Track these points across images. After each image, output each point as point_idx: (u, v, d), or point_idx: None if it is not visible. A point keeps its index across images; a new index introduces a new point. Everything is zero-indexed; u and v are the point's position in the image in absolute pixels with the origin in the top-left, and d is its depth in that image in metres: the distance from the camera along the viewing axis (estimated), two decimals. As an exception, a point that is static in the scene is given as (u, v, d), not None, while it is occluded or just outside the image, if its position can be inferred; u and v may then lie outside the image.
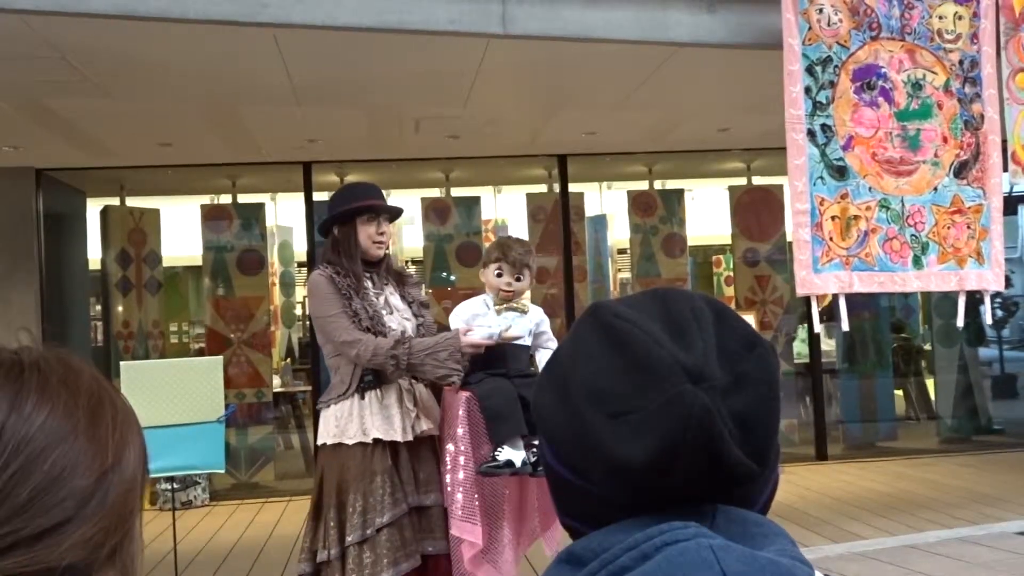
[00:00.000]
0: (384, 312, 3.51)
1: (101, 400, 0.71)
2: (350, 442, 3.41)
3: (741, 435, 0.78)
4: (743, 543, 0.74)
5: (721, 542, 0.73)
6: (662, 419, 0.77)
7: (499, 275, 3.53)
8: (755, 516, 0.80)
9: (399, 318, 3.54)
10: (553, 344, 3.63)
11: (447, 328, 3.54)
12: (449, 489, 3.39)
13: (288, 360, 10.40)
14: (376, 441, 3.40)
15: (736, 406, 0.79)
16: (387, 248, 3.63)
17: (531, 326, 3.57)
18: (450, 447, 3.43)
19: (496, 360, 3.42)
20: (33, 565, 0.64)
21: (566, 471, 0.83)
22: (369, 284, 3.55)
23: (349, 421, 3.43)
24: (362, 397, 3.44)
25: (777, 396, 0.83)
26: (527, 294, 3.76)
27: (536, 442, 3.30)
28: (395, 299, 3.60)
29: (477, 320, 3.52)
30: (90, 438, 0.69)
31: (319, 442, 3.53)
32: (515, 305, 3.54)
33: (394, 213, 3.69)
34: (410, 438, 3.43)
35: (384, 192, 3.84)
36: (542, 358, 3.57)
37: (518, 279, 3.53)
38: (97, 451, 0.69)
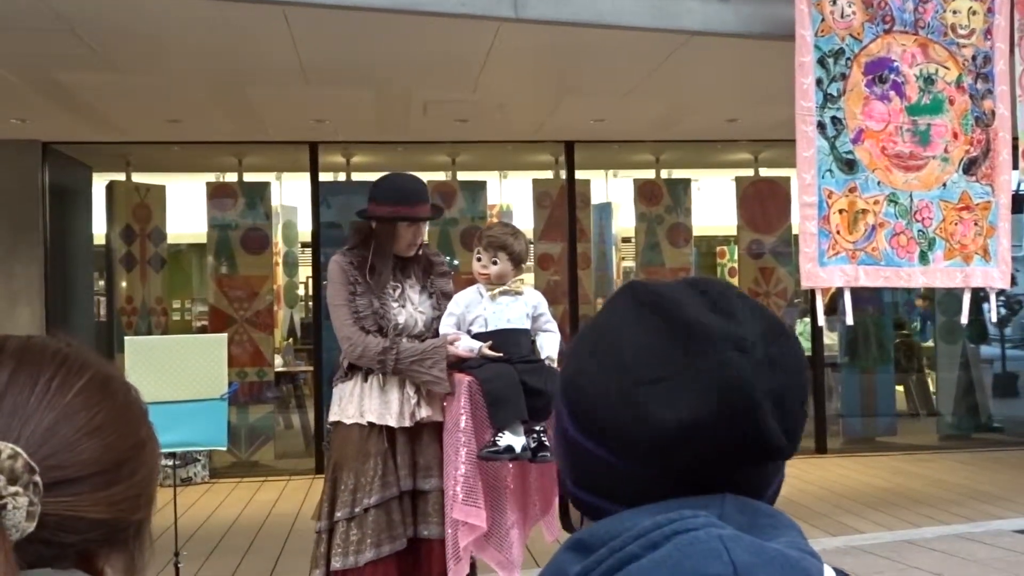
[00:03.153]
0: (395, 305, 3.51)
1: (129, 392, 0.78)
2: (348, 421, 3.47)
3: (776, 412, 0.79)
4: (752, 533, 0.74)
5: (731, 532, 0.72)
6: (706, 382, 0.78)
7: (478, 259, 3.52)
8: (765, 507, 0.80)
9: (411, 311, 3.54)
10: (553, 327, 3.60)
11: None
12: (450, 474, 3.40)
13: (290, 340, 10.42)
14: (372, 424, 3.43)
15: (772, 383, 0.80)
16: (419, 246, 3.65)
17: (528, 309, 3.52)
18: (452, 431, 3.43)
19: (497, 348, 3.41)
20: (71, 511, 0.68)
21: (588, 441, 0.83)
22: (388, 278, 3.56)
23: (349, 401, 3.49)
24: (365, 379, 3.48)
25: (807, 383, 0.85)
26: (530, 278, 3.73)
27: (537, 428, 3.30)
28: (413, 292, 3.60)
29: (474, 310, 3.50)
30: (125, 413, 0.75)
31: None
32: (508, 289, 3.50)
33: (436, 217, 3.76)
34: (407, 424, 3.44)
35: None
36: (543, 342, 3.53)
37: (494, 262, 3.48)
38: (131, 425, 0.75)
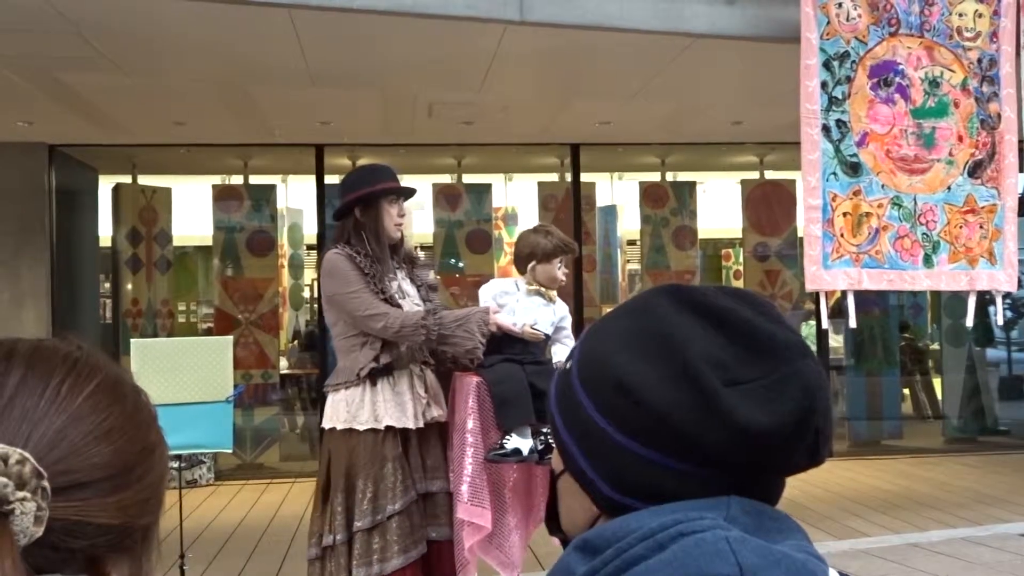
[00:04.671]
0: (397, 296, 3.50)
1: (139, 395, 0.78)
2: (361, 428, 3.38)
3: (824, 420, 0.82)
4: (758, 536, 0.74)
5: (737, 534, 0.72)
6: (790, 388, 0.79)
7: (559, 266, 3.59)
8: (771, 509, 0.80)
9: (410, 303, 3.54)
10: (570, 342, 3.64)
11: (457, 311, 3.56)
12: (457, 474, 3.40)
13: (295, 342, 10.42)
14: (387, 428, 3.38)
15: (825, 393, 0.83)
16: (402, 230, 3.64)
17: (555, 319, 3.61)
18: (459, 432, 3.44)
19: (513, 343, 3.43)
20: (80, 515, 0.68)
21: (640, 445, 0.81)
22: (389, 260, 3.56)
23: (360, 407, 3.40)
24: (373, 384, 3.41)
25: None
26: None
27: (544, 430, 3.30)
28: (407, 284, 3.60)
29: (506, 298, 3.55)
30: (135, 417, 0.75)
31: (326, 426, 3.49)
32: (543, 291, 3.58)
33: (409, 194, 3.69)
34: (421, 425, 3.43)
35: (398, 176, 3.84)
36: (557, 352, 3.60)
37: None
38: (140, 429, 0.75)
